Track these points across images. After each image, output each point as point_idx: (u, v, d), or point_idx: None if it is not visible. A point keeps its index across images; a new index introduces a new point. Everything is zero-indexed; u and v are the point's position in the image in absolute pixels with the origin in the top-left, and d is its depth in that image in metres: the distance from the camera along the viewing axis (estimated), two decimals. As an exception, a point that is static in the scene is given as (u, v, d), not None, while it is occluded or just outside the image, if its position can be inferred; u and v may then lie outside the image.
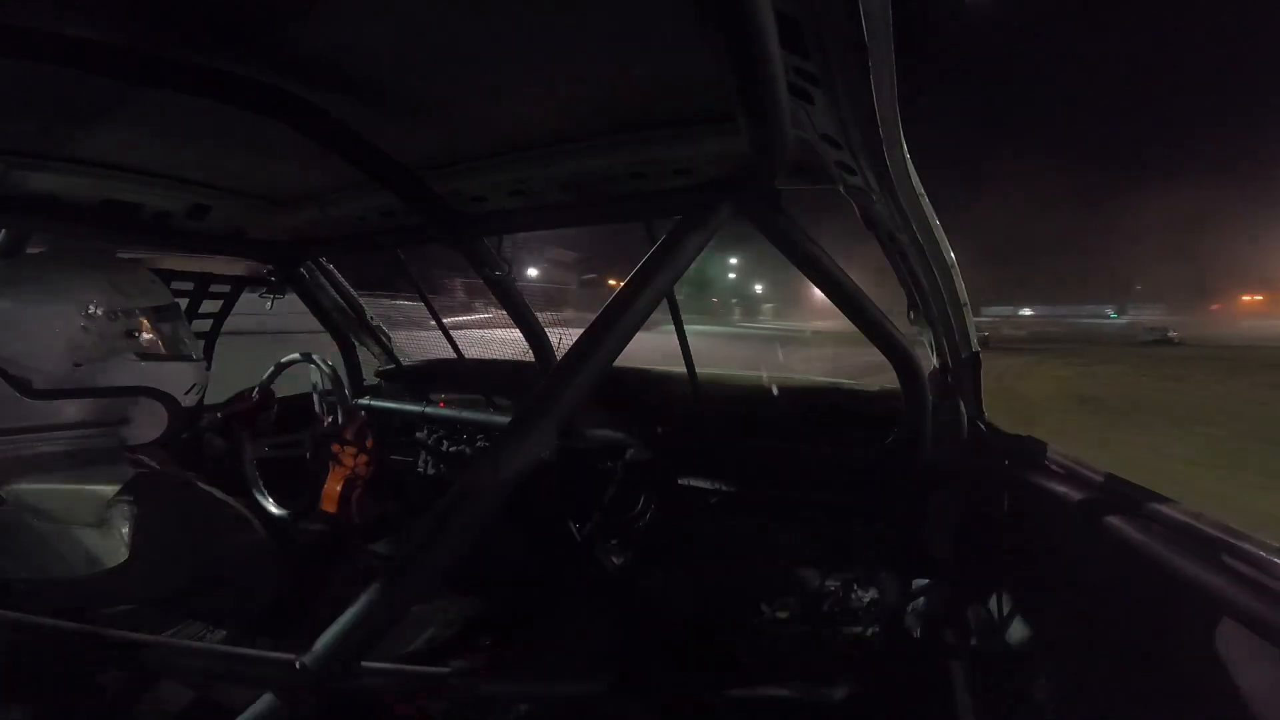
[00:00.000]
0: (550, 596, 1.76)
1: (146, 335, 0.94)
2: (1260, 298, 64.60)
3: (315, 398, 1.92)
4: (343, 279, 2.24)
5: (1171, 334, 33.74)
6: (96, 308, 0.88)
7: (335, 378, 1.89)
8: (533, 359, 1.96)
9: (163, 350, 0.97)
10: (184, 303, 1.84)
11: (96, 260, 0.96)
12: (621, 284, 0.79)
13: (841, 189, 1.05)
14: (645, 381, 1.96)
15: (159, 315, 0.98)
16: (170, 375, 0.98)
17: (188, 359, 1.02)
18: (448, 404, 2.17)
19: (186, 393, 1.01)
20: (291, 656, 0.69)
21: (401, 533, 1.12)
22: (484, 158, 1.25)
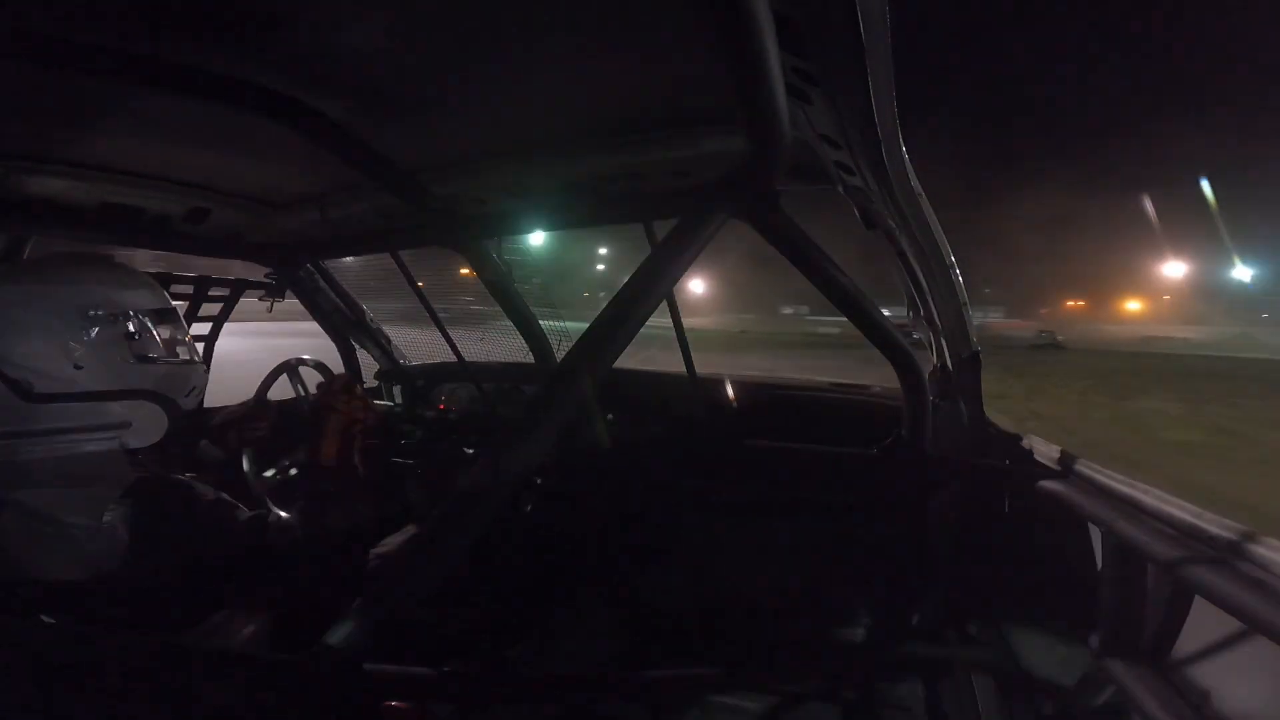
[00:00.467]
0: (552, 596, 1.76)
1: (146, 338, 0.94)
2: (1082, 303, 70.41)
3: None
4: (340, 282, 2.24)
5: (1060, 339, 32.33)
6: (97, 311, 0.89)
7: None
8: (533, 361, 1.96)
9: (162, 353, 0.97)
10: (184, 306, 1.84)
11: (96, 264, 0.96)
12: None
13: (840, 189, 1.05)
14: (646, 382, 1.96)
15: (158, 318, 0.98)
16: (169, 378, 0.98)
17: (186, 362, 1.02)
18: (448, 406, 2.17)
19: (186, 395, 1.01)
20: (294, 657, 0.69)
21: (404, 533, 1.12)
22: (483, 159, 1.25)
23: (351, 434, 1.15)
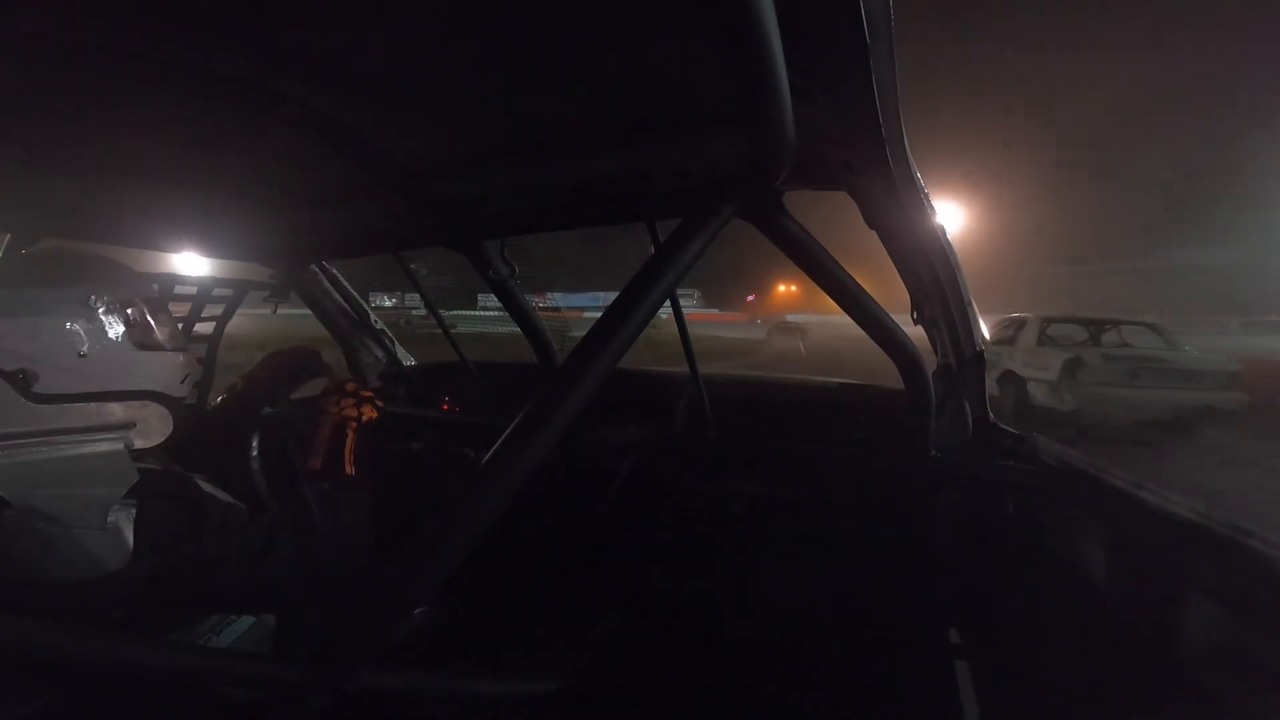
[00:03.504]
0: (555, 599, 1.76)
1: (144, 326, 0.96)
2: (794, 289, 66.25)
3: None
4: (345, 282, 2.24)
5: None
6: (97, 299, 0.89)
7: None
8: (536, 361, 1.96)
9: (159, 341, 0.98)
10: (186, 307, 1.85)
11: (92, 258, 0.98)
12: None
13: (844, 189, 1.05)
14: (649, 382, 1.96)
15: (153, 307, 0.99)
16: (168, 366, 0.99)
17: (180, 350, 1.03)
18: (451, 407, 2.17)
19: (182, 382, 1.02)
20: (296, 659, 0.69)
21: (407, 535, 1.13)
22: (486, 160, 1.25)
23: (342, 434, 1.16)
